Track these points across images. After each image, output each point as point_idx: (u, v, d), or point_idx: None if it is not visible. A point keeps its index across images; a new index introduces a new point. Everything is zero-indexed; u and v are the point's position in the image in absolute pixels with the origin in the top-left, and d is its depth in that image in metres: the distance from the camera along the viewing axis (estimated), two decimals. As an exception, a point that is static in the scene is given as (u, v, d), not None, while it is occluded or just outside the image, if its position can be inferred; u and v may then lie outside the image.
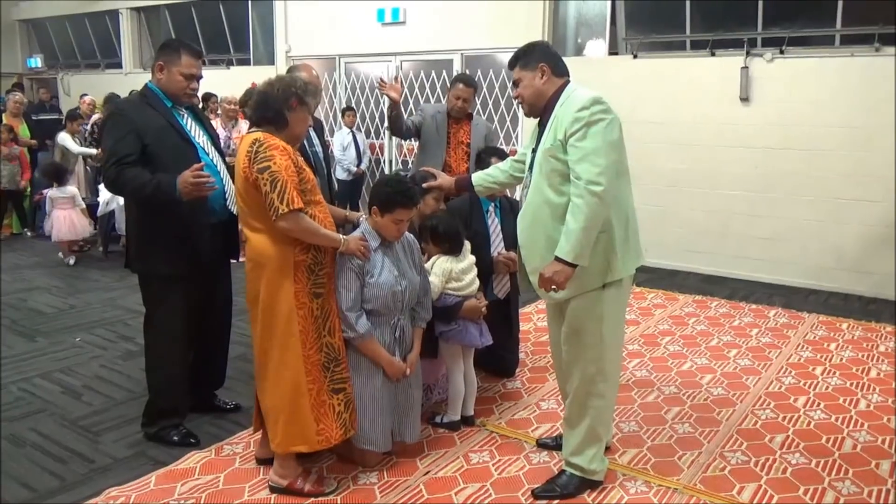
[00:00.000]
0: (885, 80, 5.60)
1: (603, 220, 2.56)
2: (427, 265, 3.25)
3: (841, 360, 4.37)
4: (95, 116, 8.06)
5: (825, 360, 4.37)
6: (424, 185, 3.29)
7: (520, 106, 2.86)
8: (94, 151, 7.36)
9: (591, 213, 2.49)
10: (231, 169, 3.24)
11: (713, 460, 3.12)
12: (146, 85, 3.21)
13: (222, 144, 3.73)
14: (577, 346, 2.76)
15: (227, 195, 3.20)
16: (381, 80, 4.65)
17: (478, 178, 3.24)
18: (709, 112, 6.39)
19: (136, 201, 3.11)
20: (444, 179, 3.36)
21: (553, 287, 2.58)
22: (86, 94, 8.82)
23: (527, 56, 2.75)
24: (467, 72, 7.68)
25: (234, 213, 3.23)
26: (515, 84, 2.80)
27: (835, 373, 4.15)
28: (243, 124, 6.93)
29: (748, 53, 6.16)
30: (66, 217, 6.72)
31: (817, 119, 5.91)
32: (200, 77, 3.22)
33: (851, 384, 3.99)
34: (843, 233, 5.93)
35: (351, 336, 2.81)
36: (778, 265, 6.24)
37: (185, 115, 3.22)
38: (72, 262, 6.79)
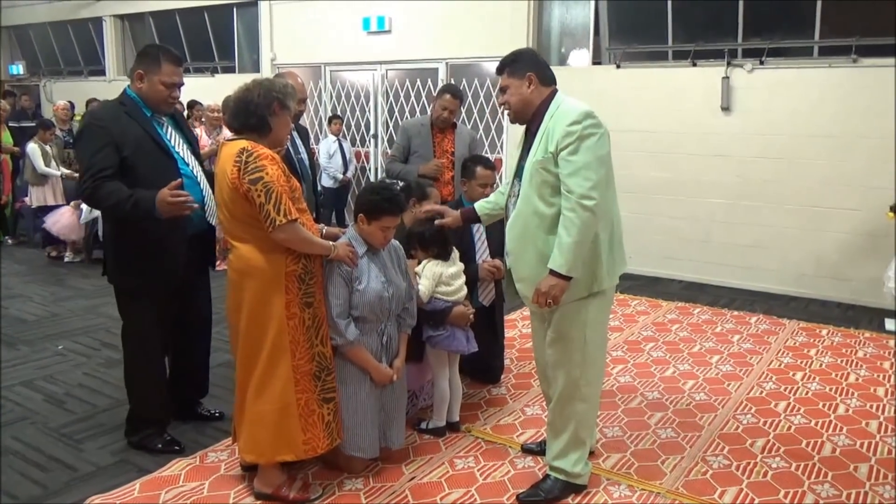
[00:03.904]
0: (863, 90, 5.71)
1: (595, 232, 2.58)
2: (417, 269, 3.28)
3: (821, 365, 4.43)
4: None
5: (805, 365, 4.43)
6: (437, 222, 3.22)
7: (505, 112, 2.85)
8: (56, 173, 7.34)
9: (584, 227, 2.51)
10: (209, 176, 3.16)
11: (695, 464, 3.15)
12: (125, 92, 3.08)
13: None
14: (561, 350, 2.78)
15: (206, 206, 3.11)
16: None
17: (480, 207, 3.20)
18: (690, 121, 6.48)
19: (114, 216, 3.04)
20: (453, 217, 3.24)
21: (549, 301, 2.59)
22: (60, 101, 8.75)
23: (515, 63, 2.74)
24: (452, 80, 7.74)
25: (212, 224, 3.19)
26: (502, 90, 2.78)
27: (814, 378, 4.21)
28: (227, 132, 6.91)
29: (729, 64, 6.25)
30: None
31: (796, 128, 6.01)
32: (182, 84, 3.11)
33: (831, 389, 4.05)
34: (822, 240, 6.02)
35: (340, 343, 2.81)
36: (759, 272, 6.32)
37: (165, 124, 3.13)
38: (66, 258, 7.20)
